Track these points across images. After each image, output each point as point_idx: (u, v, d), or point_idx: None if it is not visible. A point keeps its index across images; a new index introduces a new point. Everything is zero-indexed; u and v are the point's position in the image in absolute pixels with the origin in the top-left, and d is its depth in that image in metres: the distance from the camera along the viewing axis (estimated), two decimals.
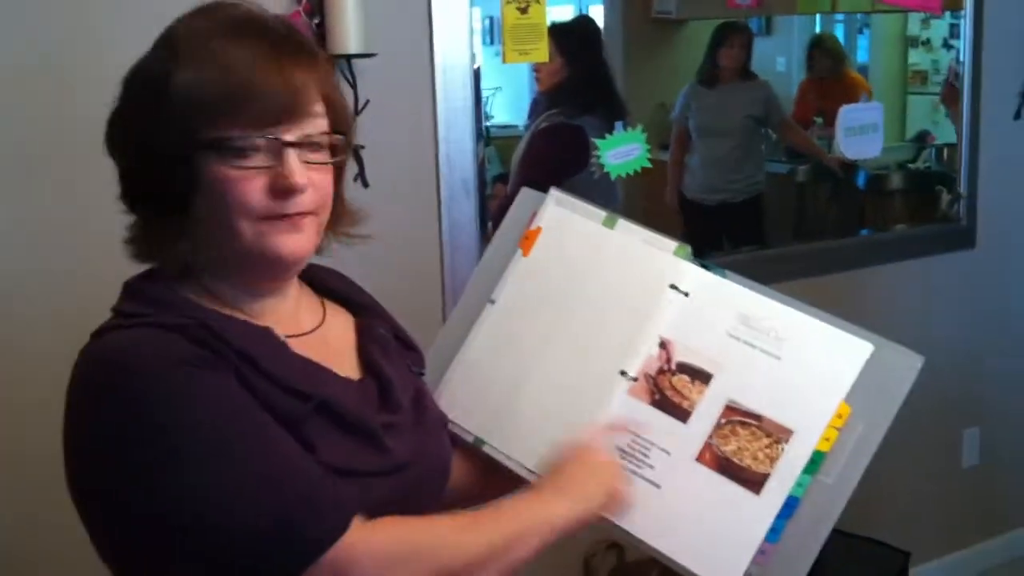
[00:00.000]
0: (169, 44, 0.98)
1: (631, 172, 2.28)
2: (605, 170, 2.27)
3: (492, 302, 1.26)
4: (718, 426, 1.07)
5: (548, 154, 2.47)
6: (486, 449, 1.20)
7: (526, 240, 1.25)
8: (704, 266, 1.17)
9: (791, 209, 3.09)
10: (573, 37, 2.43)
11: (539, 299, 1.23)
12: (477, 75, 2.12)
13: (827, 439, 1.03)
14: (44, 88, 1.71)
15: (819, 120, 2.94)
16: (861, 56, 3.25)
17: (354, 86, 1.95)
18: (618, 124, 2.32)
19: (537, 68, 2.44)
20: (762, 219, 2.88)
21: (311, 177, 0.99)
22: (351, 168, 1.97)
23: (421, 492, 1.09)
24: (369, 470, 1.01)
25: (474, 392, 1.23)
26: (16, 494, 1.70)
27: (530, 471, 1.16)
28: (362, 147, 1.99)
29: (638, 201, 2.67)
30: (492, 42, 2.22)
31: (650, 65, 2.88)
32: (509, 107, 2.58)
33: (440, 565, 0.97)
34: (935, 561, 2.96)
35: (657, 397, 1.11)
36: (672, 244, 1.18)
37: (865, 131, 2.62)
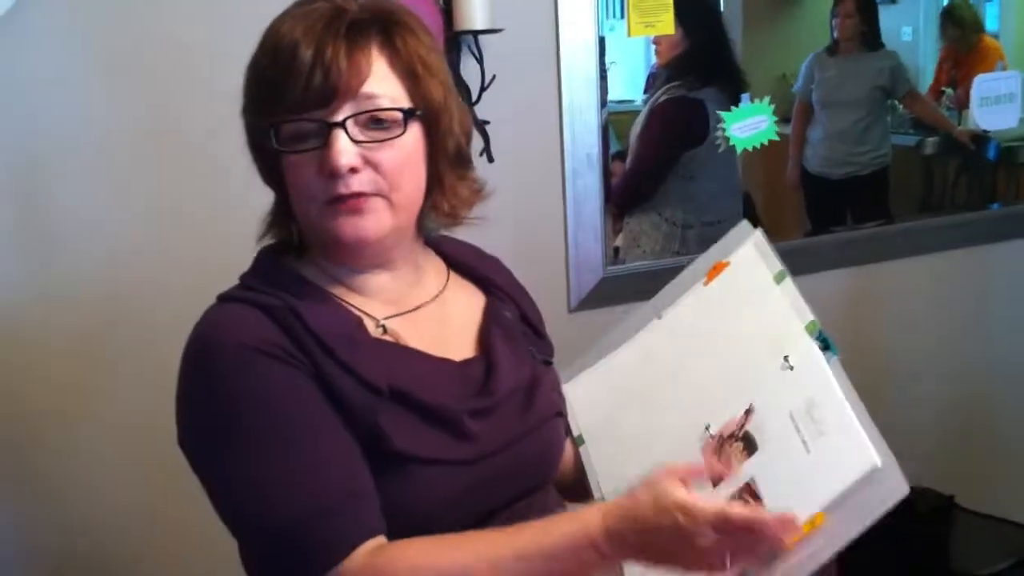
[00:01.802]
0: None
1: (758, 145, 2.24)
2: (731, 143, 2.24)
3: (659, 317, 1.29)
4: (731, 497, 1.06)
5: (668, 129, 2.45)
6: (582, 450, 1.23)
7: (713, 270, 1.28)
8: (825, 343, 1.17)
9: (918, 182, 3.00)
10: (692, 8, 2.40)
11: (692, 330, 1.26)
12: (602, 48, 2.11)
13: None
14: (169, 72, 1.77)
15: (949, 90, 2.84)
16: (990, 24, 3.11)
17: (480, 61, 1.96)
18: (744, 96, 2.29)
19: (656, 41, 2.42)
20: (888, 193, 2.80)
21: (371, 156, 0.98)
22: (477, 143, 2.00)
23: (515, 482, 1.07)
24: (450, 457, 1.00)
25: (601, 393, 1.26)
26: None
27: (599, 491, 1.17)
28: (487, 122, 2.01)
29: (758, 176, 2.63)
30: (612, 15, 2.20)
31: (770, 36, 2.82)
32: (624, 82, 2.56)
33: None
34: None
35: (715, 458, 1.13)
36: (809, 317, 1.20)
37: (1001, 101, 2.52)
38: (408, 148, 1.01)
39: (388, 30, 1.00)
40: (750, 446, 1.11)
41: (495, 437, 1.04)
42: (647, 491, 0.91)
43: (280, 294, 1.00)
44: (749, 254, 1.27)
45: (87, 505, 1.81)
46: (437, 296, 1.12)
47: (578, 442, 1.23)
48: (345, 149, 0.96)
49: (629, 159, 2.44)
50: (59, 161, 1.72)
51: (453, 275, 1.17)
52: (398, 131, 0.99)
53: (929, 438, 2.62)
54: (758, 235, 1.28)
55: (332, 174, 0.96)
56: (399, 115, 0.99)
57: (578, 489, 1.21)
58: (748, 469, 1.09)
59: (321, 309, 1.01)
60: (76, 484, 1.80)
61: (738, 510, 0.90)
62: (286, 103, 0.95)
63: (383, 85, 0.99)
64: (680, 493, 0.90)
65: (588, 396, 1.25)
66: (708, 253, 1.32)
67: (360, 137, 0.97)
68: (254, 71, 0.99)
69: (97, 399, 1.78)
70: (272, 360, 0.96)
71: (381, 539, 0.95)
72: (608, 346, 1.31)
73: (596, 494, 1.17)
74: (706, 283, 1.28)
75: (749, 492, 1.06)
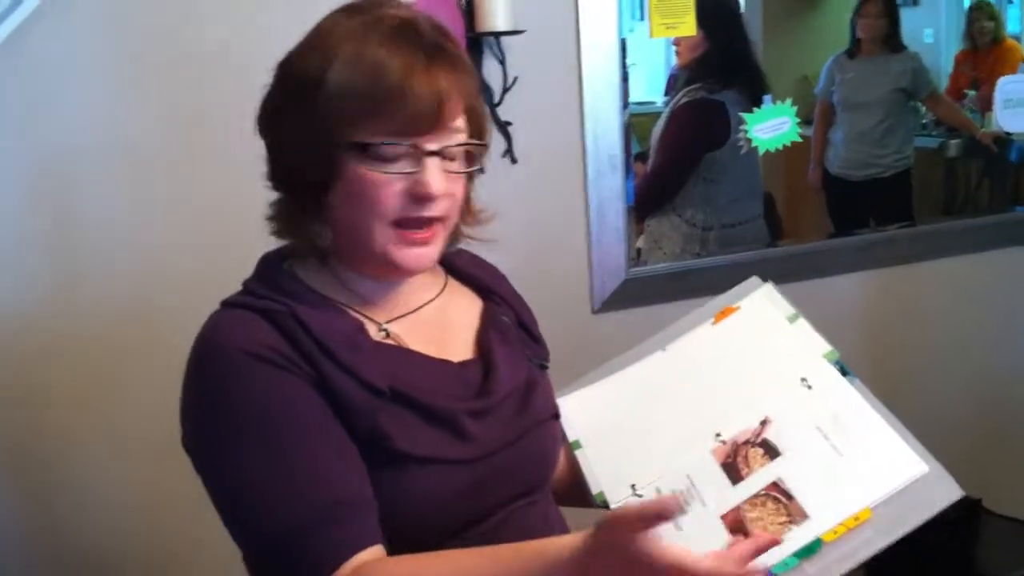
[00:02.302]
0: (324, 43, 0.99)
1: (780, 146, 2.23)
2: (753, 144, 2.23)
3: (664, 350, 1.34)
4: (756, 495, 1.10)
5: (689, 131, 2.45)
6: (578, 454, 1.25)
7: (721, 314, 1.34)
8: (843, 371, 1.21)
9: (941, 185, 2.98)
10: (713, 9, 2.39)
11: (699, 358, 1.31)
12: (623, 50, 2.11)
13: (835, 532, 1.04)
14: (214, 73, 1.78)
15: (971, 92, 2.82)
16: (1012, 26, 3.10)
17: (502, 63, 1.97)
18: (766, 98, 2.28)
19: (676, 42, 2.42)
20: (910, 195, 2.79)
21: (446, 185, 1.01)
22: (499, 144, 2.00)
23: (511, 484, 1.09)
24: (448, 457, 1.02)
25: (598, 405, 1.30)
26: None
27: (599, 488, 1.20)
28: (510, 123, 2.01)
29: (780, 178, 2.62)
30: (634, 17, 2.20)
31: (791, 37, 2.81)
32: (645, 83, 2.56)
33: None
34: None
35: (729, 460, 1.15)
36: (827, 347, 1.24)
37: None
38: (463, 179, 1.06)
39: (462, 64, 1.03)
40: (771, 451, 1.14)
41: (493, 438, 1.06)
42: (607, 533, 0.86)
43: (282, 299, 1.01)
44: (760, 300, 1.33)
45: (104, 504, 1.82)
46: (436, 298, 1.14)
47: (574, 447, 1.26)
48: (439, 177, 1.00)
49: (650, 161, 2.43)
50: (86, 164, 1.73)
51: (451, 280, 1.19)
52: (476, 165, 1.06)
53: (954, 441, 2.59)
54: (768, 287, 1.35)
55: (423, 199, 1.00)
56: (474, 148, 1.05)
57: (574, 493, 1.23)
58: (773, 470, 1.11)
59: (323, 314, 1.02)
60: (97, 482, 1.81)
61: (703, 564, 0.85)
62: (388, 126, 0.97)
63: (461, 119, 1.03)
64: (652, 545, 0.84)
65: (584, 407, 1.29)
66: (714, 301, 1.37)
67: (450, 167, 1.02)
68: (344, 89, 0.97)
69: (122, 398, 1.80)
70: (272, 367, 0.97)
71: (375, 549, 0.96)
72: (605, 372, 1.35)
73: (594, 490, 1.20)
74: (714, 323, 1.34)
75: (778, 491, 1.08)
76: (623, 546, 0.83)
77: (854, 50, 2.72)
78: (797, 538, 1.06)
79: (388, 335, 1.07)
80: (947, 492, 1.04)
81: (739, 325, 1.33)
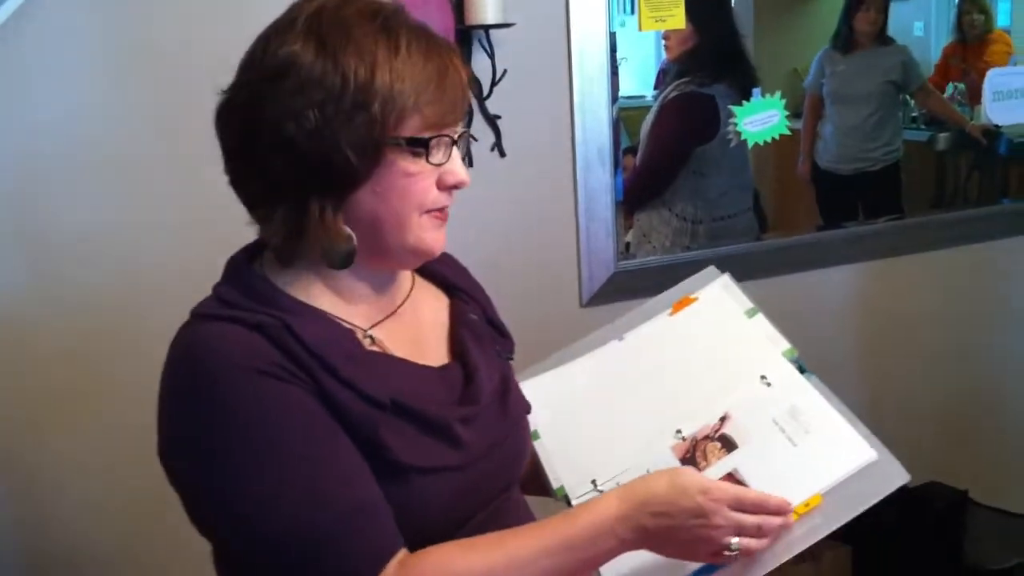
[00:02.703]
0: (348, 44, 0.96)
1: (769, 139, 2.24)
2: (742, 138, 2.24)
3: (620, 339, 1.34)
4: None
5: (679, 124, 2.45)
6: (537, 444, 1.26)
7: (679, 304, 1.34)
8: (801, 369, 1.23)
9: (930, 178, 2.99)
10: (702, 3, 2.40)
11: (657, 350, 1.31)
12: (613, 44, 2.11)
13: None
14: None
15: (960, 85, 2.83)
16: (1002, 20, 3.10)
17: (492, 56, 1.97)
18: (755, 91, 2.28)
19: (666, 36, 2.42)
20: (900, 188, 2.79)
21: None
22: (488, 138, 2.01)
23: (496, 482, 1.10)
24: (444, 465, 1.02)
25: (553, 395, 1.30)
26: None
27: (558, 482, 1.22)
28: (499, 117, 2.01)
29: (768, 172, 2.62)
30: (623, 11, 2.20)
31: (782, 31, 2.81)
32: (635, 77, 2.56)
33: None
34: None
35: (688, 456, 1.17)
36: (785, 345, 1.25)
37: (1014, 95, 2.51)
38: None
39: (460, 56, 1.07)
40: (728, 445, 1.15)
41: (481, 442, 1.06)
42: (662, 476, 0.99)
43: (270, 311, 0.99)
44: (717, 292, 1.34)
45: (82, 507, 1.82)
46: (408, 297, 1.13)
47: (533, 436, 1.26)
48: (461, 164, 1.03)
49: (640, 155, 2.44)
50: (60, 163, 1.72)
51: (416, 277, 1.18)
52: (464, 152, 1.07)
53: (941, 433, 2.61)
54: (726, 278, 1.35)
55: (455, 187, 1.02)
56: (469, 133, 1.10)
57: (534, 483, 1.24)
58: (729, 462, 1.13)
59: (313, 324, 1.00)
60: (69, 485, 1.81)
61: (752, 492, 1.02)
62: (430, 119, 0.99)
63: None
64: (699, 476, 1.01)
65: (539, 395, 1.27)
66: (672, 290, 1.37)
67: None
68: (393, 88, 0.96)
69: (93, 403, 1.79)
70: (273, 380, 0.95)
71: (405, 550, 0.96)
72: (559, 360, 1.35)
73: (554, 484, 1.22)
74: (671, 314, 1.34)
75: (733, 481, 1.10)
76: (716, 511, 0.96)
77: (845, 44, 2.72)
78: None
79: (373, 341, 1.06)
80: (895, 477, 1.05)
81: (697, 317, 1.33)
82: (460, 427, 1.04)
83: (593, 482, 1.19)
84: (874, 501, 1.04)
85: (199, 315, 1.01)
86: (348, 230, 1.00)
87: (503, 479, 1.12)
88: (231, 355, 0.95)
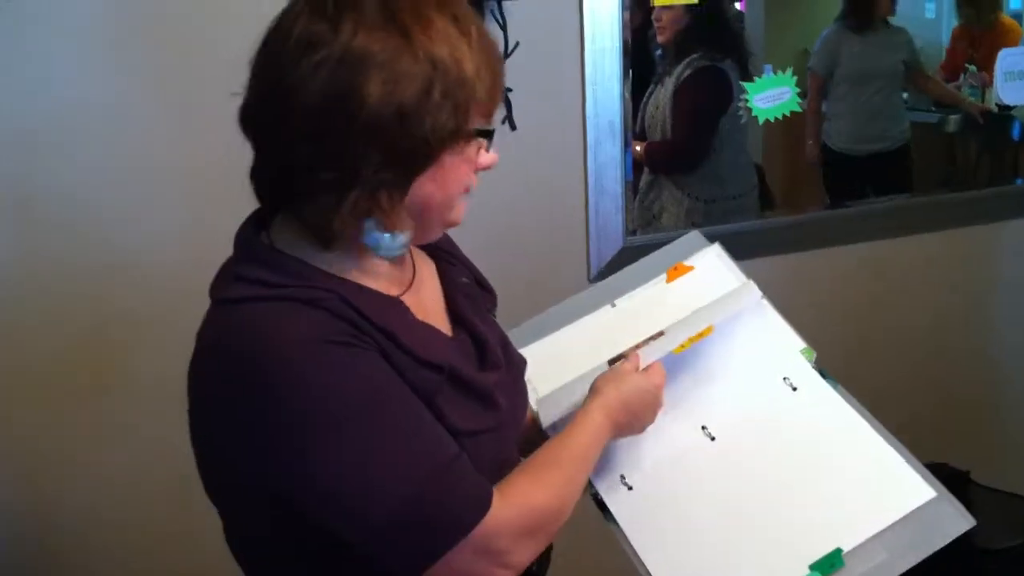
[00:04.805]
0: (417, 30, 0.96)
1: (780, 116, 2.23)
2: (753, 114, 2.23)
3: (613, 306, 1.36)
4: None
5: (706, 97, 2.40)
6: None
7: (675, 271, 1.36)
8: (822, 373, 1.23)
9: (941, 161, 2.98)
10: None
11: (652, 320, 1.30)
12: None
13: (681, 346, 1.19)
14: None
15: (972, 68, 2.81)
16: (1014, 2, 3.09)
17: (504, 28, 1.96)
18: (766, 67, 2.27)
19: (657, 18, 2.34)
20: (911, 169, 2.78)
21: None
22: (499, 110, 2.00)
23: (515, 438, 1.17)
24: (487, 427, 1.06)
25: (549, 366, 1.31)
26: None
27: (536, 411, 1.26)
28: (510, 90, 2.00)
29: (774, 151, 2.61)
30: None
31: (792, 10, 2.80)
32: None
33: (559, 521, 1.07)
34: None
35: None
36: (801, 344, 1.26)
37: None
38: None
39: None
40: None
41: (508, 403, 1.12)
42: (608, 380, 1.19)
43: (314, 285, 0.98)
44: (713, 263, 1.35)
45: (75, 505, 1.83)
46: (415, 268, 1.14)
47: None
48: None
49: (672, 130, 2.37)
50: (58, 140, 1.72)
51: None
52: None
53: (946, 413, 2.62)
54: (719, 248, 1.37)
55: (488, 169, 1.06)
56: None
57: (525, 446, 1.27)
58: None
59: (366, 296, 1.00)
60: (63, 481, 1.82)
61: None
62: (489, 109, 1.03)
63: None
64: (631, 365, 1.22)
65: (536, 355, 1.28)
66: (658, 254, 1.38)
67: None
68: (480, 79, 0.98)
69: (92, 395, 1.80)
70: (346, 347, 0.94)
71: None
72: (547, 326, 1.35)
73: (534, 410, 1.25)
74: (668, 282, 1.35)
75: None
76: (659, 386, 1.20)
77: (858, 23, 2.70)
78: None
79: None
80: (959, 522, 1.12)
81: (693, 286, 1.33)
82: (497, 392, 1.09)
83: (622, 477, 1.22)
84: (940, 545, 1.09)
85: (232, 300, 0.98)
86: (407, 216, 1.01)
87: (517, 434, 1.18)
88: (299, 330, 0.93)
